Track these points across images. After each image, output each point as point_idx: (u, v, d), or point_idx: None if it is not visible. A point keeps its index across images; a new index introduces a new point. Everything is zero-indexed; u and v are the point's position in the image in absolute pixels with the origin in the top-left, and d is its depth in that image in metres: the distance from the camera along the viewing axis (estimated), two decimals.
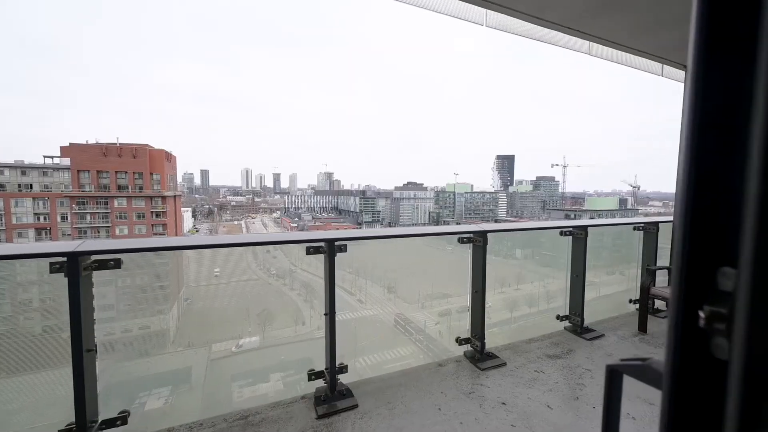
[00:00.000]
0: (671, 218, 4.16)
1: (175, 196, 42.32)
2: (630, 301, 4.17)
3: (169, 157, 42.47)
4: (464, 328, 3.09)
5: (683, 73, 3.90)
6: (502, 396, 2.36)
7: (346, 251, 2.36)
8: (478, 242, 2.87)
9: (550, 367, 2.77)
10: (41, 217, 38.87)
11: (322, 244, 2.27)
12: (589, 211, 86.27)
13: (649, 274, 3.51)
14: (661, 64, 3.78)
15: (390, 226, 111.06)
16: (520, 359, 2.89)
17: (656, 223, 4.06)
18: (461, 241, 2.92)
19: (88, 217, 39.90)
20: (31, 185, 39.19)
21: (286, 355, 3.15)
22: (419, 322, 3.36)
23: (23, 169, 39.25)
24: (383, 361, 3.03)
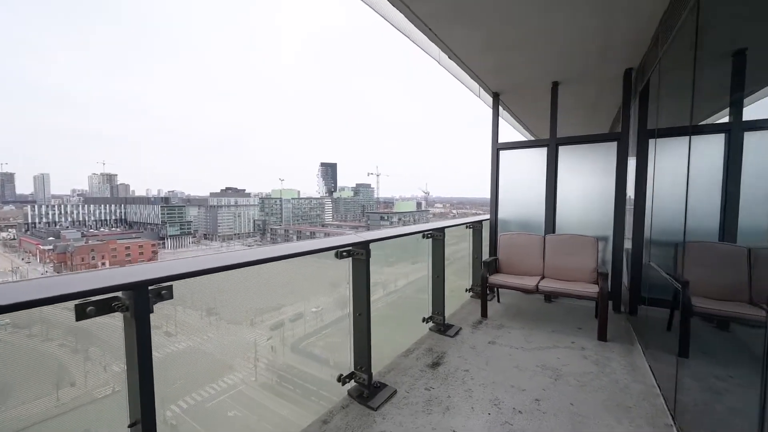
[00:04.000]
0: (488, 217, 5.05)
1: None
2: (466, 290, 4.78)
3: None
4: (298, 336, 2.64)
5: (491, 98, 4.80)
6: None
7: (171, 297, 1.36)
8: (360, 255, 2.39)
9: (436, 379, 2.62)
10: None
11: (118, 293, 1.18)
12: (397, 213, 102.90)
13: (485, 266, 4.04)
14: (479, 87, 4.50)
15: (206, 237, 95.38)
16: (407, 380, 2.61)
17: (480, 222, 4.81)
18: (339, 255, 2.35)
19: None
20: None
21: None
22: (249, 342, 2.70)
23: None
24: (211, 395, 2.19)
